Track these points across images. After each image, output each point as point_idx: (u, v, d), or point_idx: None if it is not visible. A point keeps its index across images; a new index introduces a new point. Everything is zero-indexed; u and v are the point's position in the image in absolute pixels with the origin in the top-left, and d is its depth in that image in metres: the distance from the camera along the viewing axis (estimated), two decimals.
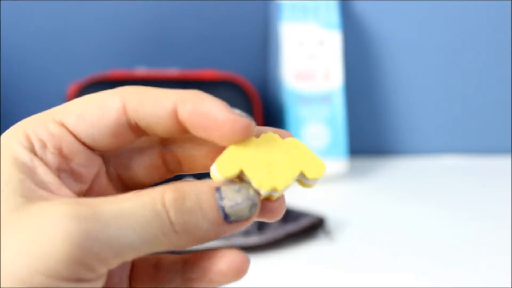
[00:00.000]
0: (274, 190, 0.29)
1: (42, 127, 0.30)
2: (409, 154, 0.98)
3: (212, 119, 0.29)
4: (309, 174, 0.30)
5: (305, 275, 0.66)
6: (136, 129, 0.31)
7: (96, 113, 0.30)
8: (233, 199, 0.28)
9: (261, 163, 0.29)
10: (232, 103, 0.85)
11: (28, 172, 0.29)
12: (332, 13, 0.89)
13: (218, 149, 0.31)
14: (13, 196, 0.27)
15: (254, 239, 0.69)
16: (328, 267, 0.68)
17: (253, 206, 0.29)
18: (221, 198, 0.28)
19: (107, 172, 0.32)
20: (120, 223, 0.26)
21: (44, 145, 0.30)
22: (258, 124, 0.86)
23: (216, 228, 0.28)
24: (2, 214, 0.27)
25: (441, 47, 0.95)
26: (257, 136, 0.30)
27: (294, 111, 0.88)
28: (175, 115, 0.30)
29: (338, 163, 0.89)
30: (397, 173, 0.92)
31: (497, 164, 0.94)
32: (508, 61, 0.95)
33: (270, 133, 0.30)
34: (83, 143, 0.31)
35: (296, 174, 0.29)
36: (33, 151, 0.29)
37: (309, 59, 0.89)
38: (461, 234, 0.74)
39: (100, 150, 0.31)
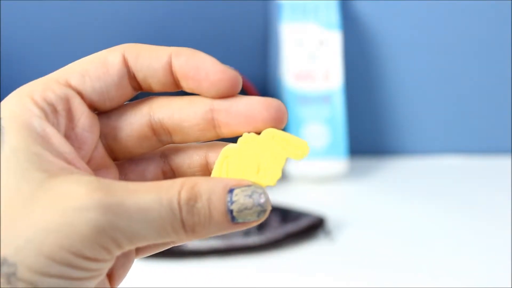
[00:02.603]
0: (268, 186, 0.30)
1: (50, 90, 0.30)
2: (409, 154, 0.98)
3: (203, 70, 0.31)
4: (295, 158, 0.31)
5: (305, 275, 0.66)
6: (134, 83, 0.32)
7: (100, 68, 0.31)
8: (243, 204, 0.29)
9: (250, 168, 0.31)
10: None
11: (44, 143, 0.29)
12: (332, 13, 0.89)
13: (206, 122, 0.32)
14: (34, 172, 0.28)
15: (254, 239, 0.69)
16: (328, 267, 0.68)
17: (261, 212, 0.30)
18: (232, 202, 0.29)
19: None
20: (141, 217, 0.28)
21: (54, 110, 0.30)
22: None
23: (222, 229, 0.30)
24: (27, 191, 0.27)
25: (441, 47, 0.95)
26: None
27: (294, 111, 0.88)
28: (169, 67, 0.31)
29: (338, 163, 0.88)
30: (397, 173, 0.92)
31: (497, 164, 0.94)
32: (508, 61, 0.95)
33: (245, 134, 0.31)
34: (88, 103, 0.31)
35: (283, 163, 0.31)
36: (45, 118, 0.29)
37: (309, 59, 0.89)
38: (461, 234, 0.74)
39: (104, 108, 0.32)
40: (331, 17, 0.89)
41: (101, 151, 0.32)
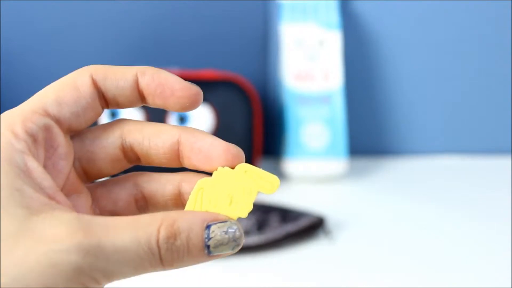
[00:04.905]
0: (240, 217, 0.32)
1: (30, 121, 0.31)
2: (409, 154, 0.98)
3: (168, 87, 0.33)
4: (266, 191, 0.33)
5: (305, 275, 0.66)
6: (103, 102, 0.34)
7: (73, 92, 0.33)
8: (220, 240, 0.31)
9: (224, 200, 0.32)
10: (232, 103, 0.85)
11: (26, 178, 0.30)
12: (332, 13, 0.89)
13: (172, 152, 0.34)
14: (16, 208, 0.29)
15: (254, 239, 0.69)
16: (328, 267, 0.68)
17: (235, 246, 0.31)
18: (209, 238, 0.31)
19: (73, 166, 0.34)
20: (118, 258, 0.29)
21: (35, 140, 0.31)
22: (258, 125, 0.86)
23: (198, 261, 0.31)
24: (9, 228, 0.28)
25: (441, 47, 0.95)
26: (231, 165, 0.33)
27: (293, 111, 0.88)
28: (136, 85, 0.34)
29: (338, 163, 0.88)
30: (397, 173, 0.92)
31: (497, 164, 0.94)
32: (508, 61, 0.95)
33: (220, 168, 0.33)
34: (66, 127, 0.33)
35: (254, 196, 0.33)
36: (26, 151, 0.30)
37: (309, 59, 0.89)
38: (461, 234, 0.74)
39: (80, 129, 0.34)
40: (331, 17, 0.89)
41: (73, 177, 0.34)
